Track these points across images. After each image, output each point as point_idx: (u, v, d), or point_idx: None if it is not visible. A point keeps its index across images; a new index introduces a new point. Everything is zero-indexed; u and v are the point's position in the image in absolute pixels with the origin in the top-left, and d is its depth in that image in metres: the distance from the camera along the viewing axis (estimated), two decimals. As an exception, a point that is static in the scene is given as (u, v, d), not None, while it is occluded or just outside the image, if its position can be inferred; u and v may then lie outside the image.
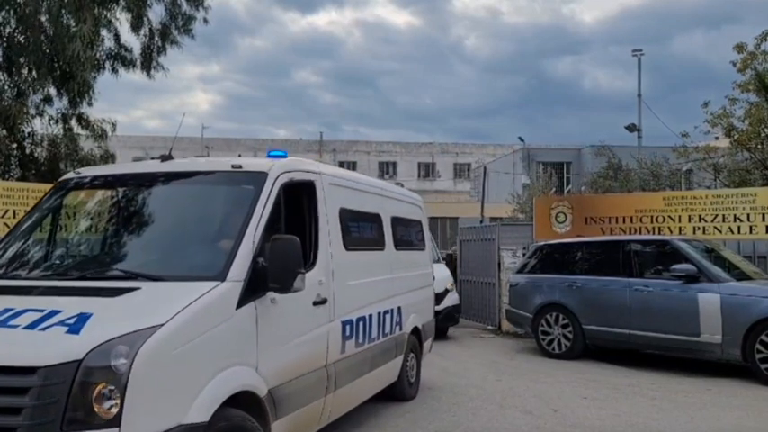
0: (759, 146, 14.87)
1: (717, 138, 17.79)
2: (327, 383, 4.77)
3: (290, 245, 3.87)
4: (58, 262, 4.54)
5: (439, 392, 7.41)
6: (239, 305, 3.69)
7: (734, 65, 15.14)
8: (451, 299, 11.63)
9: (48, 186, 6.49)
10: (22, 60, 11.50)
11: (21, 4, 11.22)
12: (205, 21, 14.09)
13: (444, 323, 11.36)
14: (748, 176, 14.75)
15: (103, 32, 13.11)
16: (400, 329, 6.58)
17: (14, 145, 12.08)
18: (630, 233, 11.16)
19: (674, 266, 8.53)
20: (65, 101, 12.52)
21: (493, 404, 6.89)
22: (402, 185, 7.97)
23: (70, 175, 5.09)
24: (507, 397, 7.19)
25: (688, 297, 8.34)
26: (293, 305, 4.24)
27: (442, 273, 11.43)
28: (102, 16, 12.55)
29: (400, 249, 6.78)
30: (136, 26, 13.35)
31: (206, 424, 3.25)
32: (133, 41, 13.82)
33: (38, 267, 4.42)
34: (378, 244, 6.30)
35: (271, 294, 3.92)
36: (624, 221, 11.49)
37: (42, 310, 3.27)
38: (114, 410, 2.91)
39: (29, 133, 12.50)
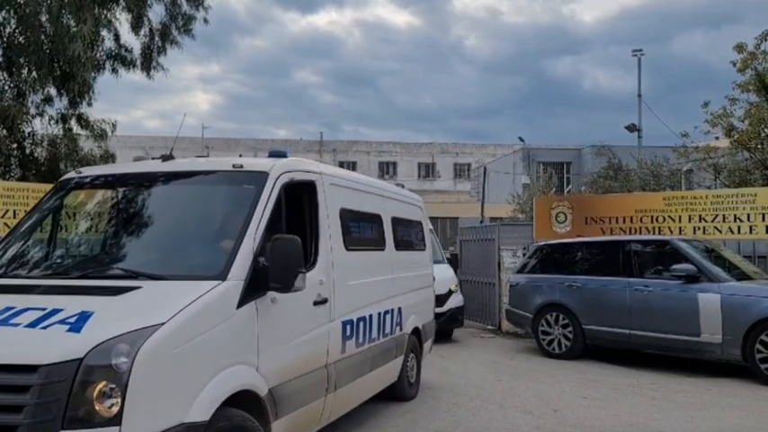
0: (759, 146, 14.87)
1: (717, 138, 17.79)
2: (327, 383, 4.77)
3: (290, 244, 3.87)
4: (58, 261, 4.54)
5: (439, 392, 7.41)
6: (240, 304, 3.69)
7: (734, 65, 15.15)
8: (455, 300, 11.36)
9: (48, 186, 6.50)
10: (22, 60, 11.50)
11: (21, 4, 11.22)
12: (205, 21, 14.11)
13: (448, 325, 11.18)
14: (748, 176, 14.76)
15: (103, 32, 13.12)
16: (400, 330, 6.58)
17: (14, 145, 12.08)
18: (630, 233, 11.16)
19: (675, 266, 8.53)
20: (64, 101, 12.54)
21: (493, 404, 6.89)
22: (402, 186, 7.97)
23: (71, 174, 5.09)
24: (507, 397, 7.19)
25: (688, 297, 8.34)
26: (294, 305, 4.25)
27: (446, 274, 11.23)
28: (103, 16, 12.55)
29: (400, 250, 6.78)
30: (136, 26, 13.36)
31: (206, 423, 3.25)
32: (133, 41, 13.86)
33: (39, 266, 4.43)
34: (378, 244, 6.30)
35: (271, 294, 3.93)
36: (624, 221, 11.49)
37: (43, 309, 3.27)
38: (115, 409, 2.92)
39: (29, 133, 12.50)
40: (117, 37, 13.67)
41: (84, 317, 3.18)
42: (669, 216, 11.09)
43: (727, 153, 15.91)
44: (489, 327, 13.09)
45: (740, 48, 15.03)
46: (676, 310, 8.44)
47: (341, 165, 37.68)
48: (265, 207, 4.12)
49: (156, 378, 3.08)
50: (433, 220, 12.19)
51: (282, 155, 4.77)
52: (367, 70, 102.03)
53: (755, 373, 7.84)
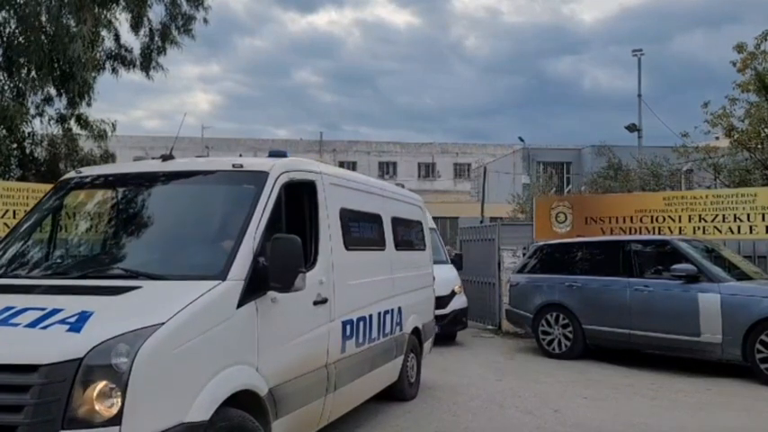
0: (759, 146, 14.87)
1: (717, 138, 17.79)
2: (328, 383, 4.77)
3: (290, 244, 3.87)
4: (58, 261, 4.54)
5: (439, 392, 7.41)
6: (240, 304, 3.69)
7: (734, 65, 15.15)
8: (458, 302, 11.00)
9: (48, 186, 6.50)
10: (22, 60, 11.50)
11: (21, 4, 11.23)
12: (205, 21, 14.13)
13: (451, 327, 10.87)
14: (748, 176, 14.74)
15: (103, 32, 13.15)
16: (400, 330, 6.58)
17: (14, 145, 12.08)
18: (630, 233, 11.16)
19: (675, 266, 8.53)
20: (64, 101, 12.55)
21: (493, 404, 6.89)
22: (402, 186, 7.97)
23: (71, 174, 5.09)
24: (508, 397, 7.19)
25: (688, 297, 8.34)
26: (294, 305, 4.25)
27: (449, 274, 10.93)
28: (103, 16, 12.57)
29: (400, 250, 6.78)
30: (136, 26, 13.37)
31: (207, 423, 3.25)
32: (133, 41, 13.86)
33: (39, 266, 4.43)
34: (378, 244, 6.30)
35: (271, 294, 3.92)
36: (624, 221, 11.49)
37: (43, 309, 3.27)
38: (115, 409, 2.91)
39: (29, 133, 12.51)
40: (117, 37, 13.70)
41: (84, 317, 3.18)
42: (669, 216, 11.09)
43: (727, 153, 15.90)
44: (489, 327, 13.09)
45: (740, 48, 15.03)
46: (676, 310, 8.44)
47: (341, 165, 37.66)
48: (265, 207, 4.12)
49: (156, 378, 3.08)
50: (434, 220, 12.08)
51: (282, 155, 4.78)
52: (367, 70, 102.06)
53: (755, 373, 7.84)
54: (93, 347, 2.97)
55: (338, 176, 5.56)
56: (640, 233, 11.09)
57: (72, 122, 12.95)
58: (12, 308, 3.32)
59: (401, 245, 6.84)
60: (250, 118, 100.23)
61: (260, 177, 4.29)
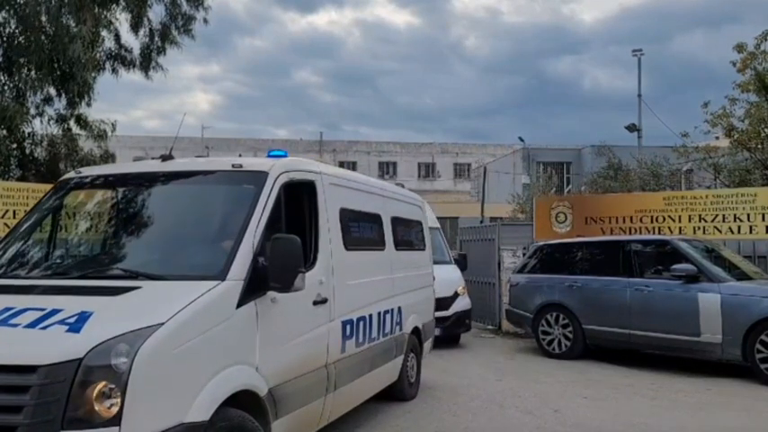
0: (759, 146, 14.86)
1: (717, 138, 17.79)
2: (327, 383, 4.77)
3: (290, 244, 3.87)
4: (58, 261, 4.55)
5: (439, 392, 7.41)
6: (239, 304, 3.69)
7: (734, 65, 15.14)
8: (461, 304, 10.67)
9: (48, 186, 6.49)
10: (22, 60, 11.50)
11: (21, 4, 11.23)
12: (205, 21, 14.14)
13: (454, 330, 10.61)
14: (748, 176, 14.74)
15: (103, 33, 13.15)
16: (400, 329, 6.58)
17: (14, 145, 12.08)
18: (630, 233, 11.16)
19: (675, 266, 8.53)
20: (64, 101, 12.54)
21: (493, 404, 6.88)
22: (402, 186, 7.97)
23: (71, 174, 5.09)
24: (508, 397, 7.19)
25: (688, 297, 8.34)
26: (293, 305, 4.24)
27: (452, 275, 10.65)
28: (103, 16, 12.57)
29: (400, 249, 6.78)
30: (135, 26, 13.38)
31: (206, 423, 3.25)
32: (133, 42, 13.86)
33: (38, 267, 4.43)
34: (378, 244, 6.30)
35: (271, 294, 3.92)
36: (624, 221, 11.49)
37: (43, 309, 3.27)
38: (114, 409, 2.91)
39: (29, 133, 12.51)
40: (117, 37, 13.70)
41: (83, 317, 3.17)
42: (669, 216, 11.09)
43: (727, 153, 15.89)
44: (489, 327, 13.09)
45: (740, 48, 15.02)
46: (676, 310, 8.43)
47: (341, 165, 37.65)
48: (265, 207, 4.12)
49: (156, 378, 3.08)
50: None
51: (282, 155, 4.78)
52: (367, 70, 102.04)
53: (755, 373, 7.83)
54: (93, 348, 2.97)
55: (338, 176, 5.56)
56: (640, 233, 11.09)
57: (72, 122, 12.95)
58: (11, 308, 3.32)
59: (401, 245, 6.84)
60: (250, 118, 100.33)
61: (259, 177, 4.29)
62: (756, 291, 8.09)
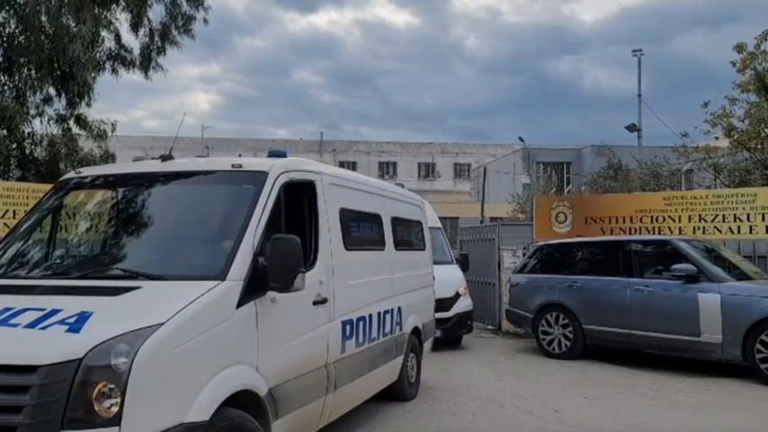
0: (759, 146, 14.86)
1: (717, 138, 17.79)
2: (327, 383, 4.77)
3: (290, 244, 3.87)
4: (58, 261, 4.54)
5: (439, 392, 7.41)
6: (239, 304, 3.69)
7: (734, 65, 15.14)
8: (463, 304, 10.47)
9: (48, 186, 6.49)
10: (22, 60, 11.50)
11: (21, 4, 11.23)
12: (205, 21, 14.15)
13: (455, 331, 10.41)
14: (748, 176, 14.74)
15: (104, 33, 13.15)
16: (400, 329, 6.58)
17: (14, 145, 12.08)
18: (630, 233, 11.16)
19: (675, 266, 8.52)
20: (63, 101, 12.54)
21: (493, 404, 6.88)
22: (402, 186, 7.96)
23: (71, 174, 5.09)
24: (508, 397, 7.19)
25: (688, 297, 8.34)
26: (293, 305, 4.24)
27: (454, 275, 10.50)
28: (103, 16, 12.58)
29: (400, 249, 6.78)
30: (136, 26, 13.38)
31: (206, 423, 3.25)
32: (133, 42, 13.87)
33: (38, 267, 4.43)
34: (378, 244, 6.30)
35: (271, 294, 3.92)
36: (624, 221, 11.49)
37: (43, 309, 3.27)
38: (114, 409, 2.91)
39: (28, 133, 12.51)
40: (118, 37, 13.71)
41: (83, 317, 3.17)
42: (669, 216, 11.08)
43: (727, 153, 15.90)
44: (489, 327, 13.09)
45: (740, 48, 15.02)
46: (676, 310, 8.43)
47: (341, 165, 37.64)
48: (265, 207, 4.12)
49: (156, 378, 3.08)
50: (436, 219, 11.87)
51: (282, 155, 4.78)
52: (367, 70, 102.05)
53: (755, 373, 7.83)
54: (93, 348, 2.97)
55: (338, 176, 5.56)
56: (640, 233, 11.09)
57: (72, 122, 12.95)
58: (11, 308, 3.32)
59: (401, 245, 6.84)
60: (250, 118, 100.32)
61: (259, 177, 4.29)
62: (756, 291, 8.09)
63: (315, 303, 4.58)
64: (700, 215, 10.82)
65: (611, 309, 9.16)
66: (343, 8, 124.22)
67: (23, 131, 12.13)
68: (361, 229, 5.99)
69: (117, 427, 2.90)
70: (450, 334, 10.29)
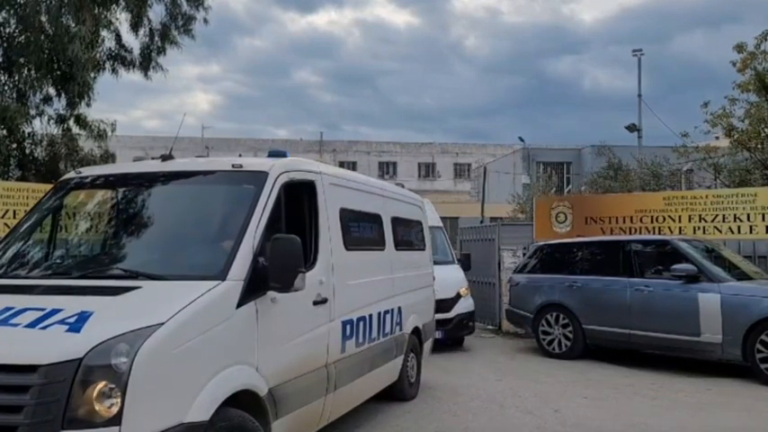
0: (759, 146, 14.86)
1: (717, 138, 17.78)
2: (327, 383, 4.77)
3: (290, 244, 3.87)
4: (58, 261, 4.54)
5: (439, 392, 7.41)
6: (240, 304, 3.69)
7: (734, 65, 15.13)
8: (464, 305, 10.29)
9: (48, 186, 6.50)
10: (22, 60, 11.50)
11: (21, 4, 11.23)
12: (205, 21, 14.14)
13: (456, 333, 10.25)
14: (748, 176, 14.74)
15: (104, 33, 13.14)
16: (400, 329, 6.58)
17: (14, 145, 12.07)
18: (630, 233, 11.16)
19: (675, 266, 8.52)
20: (63, 101, 12.54)
21: (494, 404, 6.88)
22: (402, 186, 7.96)
23: (71, 174, 5.09)
24: (508, 397, 7.19)
25: (688, 297, 8.34)
26: (293, 305, 4.24)
27: (455, 276, 10.36)
28: (103, 16, 12.57)
29: (400, 249, 6.78)
30: (136, 26, 13.37)
31: (207, 423, 3.25)
32: (133, 42, 13.86)
33: (38, 267, 4.43)
34: (378, 244, 6.30)
35: (271, 294, 3.92)
36: (624, 221, 11.49)
37: (43, 309, 3.27)
38: (115, 409, 2.91)
39: (28, 133, 12.50)
40: (118, 37, 13.70)
41: (83, 317, 3.17)
42: (669, 216, 11.09)
43: (727, 153, 15.89)
44: (489, 327, 13.09)
45: (740, 48, 15.01)
46: (676, 310, 8.43)
47: (341, 165, 37.62)
48: (265, 207, 4.12)
49: (156, 378, 3.08)
50: (437, 219, 11.82)
51: (282, 155, 4.77)
52: (367, 70, 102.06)
53: (755, 373, 7.83)
54: (93, 347, 2.97)
55: (338, 176, 5.56)
56: (640, 233, 11.09)
57: (71, 122, 12.94)
58: (11, 308, 3.32)
59: (401, 245, 6.84)
60: (250, 118, 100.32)
61: (259, 177, 4.29)
62: (756, 291, 8.09)
63: (315, 303, 4.59)
64: (700, 215, 10.82)
65: (612, 309, 9.16)
66: (342, 8, 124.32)
67: (23, 131, 12.13)
68: (362, 229, 5.99)
69: (117, 427, 2.90)
70: (452, 335, 10.18)
